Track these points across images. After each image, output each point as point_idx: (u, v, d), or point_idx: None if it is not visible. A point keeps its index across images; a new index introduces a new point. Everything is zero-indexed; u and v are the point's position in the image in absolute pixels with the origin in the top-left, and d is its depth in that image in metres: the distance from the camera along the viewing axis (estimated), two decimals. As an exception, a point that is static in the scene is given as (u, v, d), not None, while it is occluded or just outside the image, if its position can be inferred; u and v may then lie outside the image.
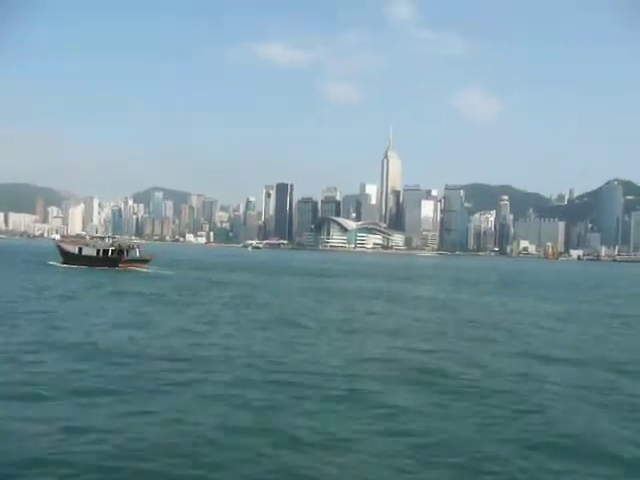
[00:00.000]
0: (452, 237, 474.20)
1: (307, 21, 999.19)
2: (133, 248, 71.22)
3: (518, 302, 46.51)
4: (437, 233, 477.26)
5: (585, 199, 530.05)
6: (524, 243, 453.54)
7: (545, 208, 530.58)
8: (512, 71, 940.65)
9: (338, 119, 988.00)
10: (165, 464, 10.50)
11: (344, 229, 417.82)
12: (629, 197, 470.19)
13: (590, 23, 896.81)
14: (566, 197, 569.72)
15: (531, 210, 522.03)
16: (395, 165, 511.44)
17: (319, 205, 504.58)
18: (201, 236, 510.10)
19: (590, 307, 44.76)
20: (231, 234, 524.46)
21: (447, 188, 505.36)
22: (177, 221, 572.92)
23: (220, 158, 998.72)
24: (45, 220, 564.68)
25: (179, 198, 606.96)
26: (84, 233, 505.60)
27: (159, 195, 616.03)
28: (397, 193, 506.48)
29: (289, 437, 12.02)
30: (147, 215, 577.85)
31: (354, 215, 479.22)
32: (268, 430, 12.35)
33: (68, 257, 69.22)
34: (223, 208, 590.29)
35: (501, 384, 17.19)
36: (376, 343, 23.94)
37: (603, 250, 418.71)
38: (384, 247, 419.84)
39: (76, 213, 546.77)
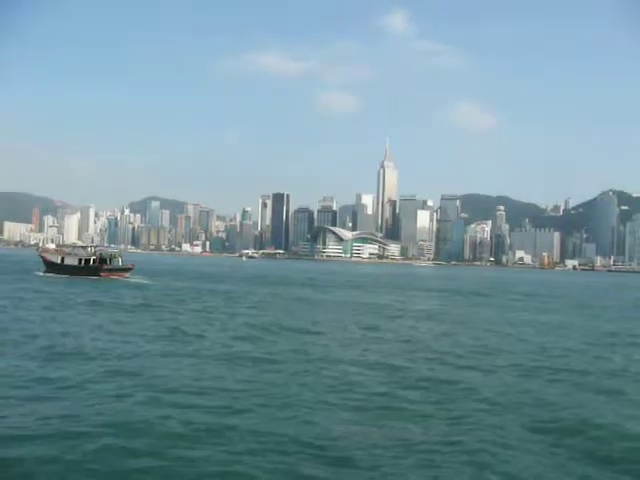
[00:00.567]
0: (448, 247, 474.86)
1: (303, 32, 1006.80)
2: (115, 257, 71.85)
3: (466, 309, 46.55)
4: (433, 243, 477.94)
5: (580, 209, 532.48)
6: (520, 253, 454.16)
7: (541, 218, 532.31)
8: (508, 83, 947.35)
9: (335, 129, 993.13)
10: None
11: (340, 239, 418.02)
12: (624, 207, 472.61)
13: (588, 39, 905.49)
14: (562, 207, 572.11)
15: (527, 220, 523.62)
16: (391, 175, 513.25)
17: (315, 215, 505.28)
18: (197, 246, 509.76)
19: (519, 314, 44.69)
20: (227, 244, 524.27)
21: (443, 198, 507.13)
22: (173, 231, 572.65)
23: (217, 168, 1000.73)
24: (41, 229, 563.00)
25: (176, 208, 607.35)
26: (80, 242, 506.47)
27: (155, 204, 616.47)
28: (393, 203, 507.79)
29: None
30: (143, 225, 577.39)
31: (350, 225, 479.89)
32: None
33: (51, 267, 69.74)
34: (219, 218, 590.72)
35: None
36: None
37: (598, 260, 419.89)
38: (380, 257, 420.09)
39: (72, 222, 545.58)
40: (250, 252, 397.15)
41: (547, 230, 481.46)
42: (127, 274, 67.91)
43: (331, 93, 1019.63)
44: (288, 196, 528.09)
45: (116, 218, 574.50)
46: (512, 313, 45.87)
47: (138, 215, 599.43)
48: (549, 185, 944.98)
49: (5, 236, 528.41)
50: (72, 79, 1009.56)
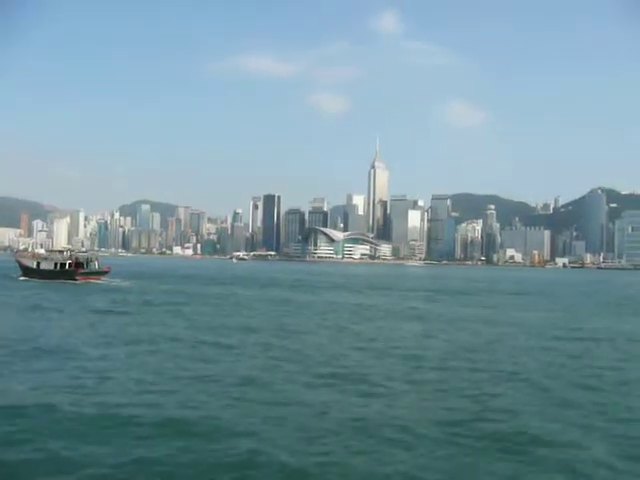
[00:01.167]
0: (439, 247, 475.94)
1: (293, 33, 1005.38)
2: (92, 261, 71.86)
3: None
4: (424, 243, 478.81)
5: (570, 207, 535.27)
6: (510, 252, 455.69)
7: (531, 217, 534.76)
8: (497, 83, 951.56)
9: (325, 130, 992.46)
10: None
11: (331, 240, 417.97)
12: (613, 205, 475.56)
13: (578, 39, 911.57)
14: (551, 206, 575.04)
15: (517, 219, 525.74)
16: (382, 175, 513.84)
17: (306, 216, 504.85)
18: (188, 248, 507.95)
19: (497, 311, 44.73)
20: (219, 246, 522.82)
21: (434, 198, 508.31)
22: (164, 234, 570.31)
23: (207, 170, 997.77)
24: (30, 234, 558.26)
25: (166, 210, 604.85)
26: (69, 247, 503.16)
27: (146, 208, 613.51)
28: (384, 203, 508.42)
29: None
30: (134, 228, 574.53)
31: (341, 226, 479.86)
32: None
33: (27, 271, 70.06)
34: (210, 220, 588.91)
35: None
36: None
37: (588, 258, 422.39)
38: (371, 257, 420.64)
39: (61, 227, 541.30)
40: (241, 254, 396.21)
41: (537, 228, 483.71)
42: (103, 277, 68.15)
43: (321, 94, 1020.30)
44: (279, 197, 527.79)
45: (106, 222, 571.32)
46: (491, 311, 45.91)
47: (129, 218, 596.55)
48: (539, 184, 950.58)
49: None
50: (62, 89, 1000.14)
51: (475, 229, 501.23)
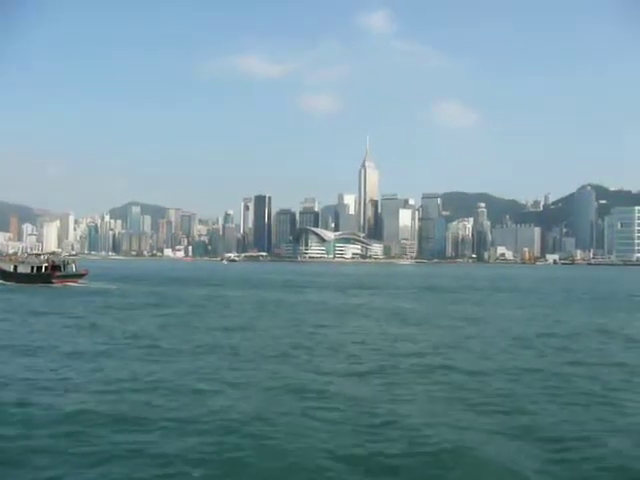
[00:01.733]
0: (430, 245, 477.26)
1: (284, 33, 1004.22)
2: (69, 264, 72.26)
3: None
4: (415, 241, 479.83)
5: (560, 204, 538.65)
6: (501, 249, 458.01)
7: (521, 214, 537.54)
8: (488, 82, 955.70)
9: (316, 130, 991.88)
10: None
11: (322, 240, 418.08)
12: (602, 201, 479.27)
13: (567, 38, 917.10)
14: (541, 203, 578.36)
15: (507, 217, 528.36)
16: (372, 175, 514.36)
17: (297, 216, 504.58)
18: (179, 250, 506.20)
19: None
20: (210, 247, 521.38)
21: (424, 197, 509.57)
22: (155, 236, 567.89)
23: (198, 171, 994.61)
24: (19, 238, 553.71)
25: (157, 213, 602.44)
26: (59, 250, 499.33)
27: (137, 210, 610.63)
28: (375, 203, 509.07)
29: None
30: (124, 231, 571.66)
31: (333, 225, 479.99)
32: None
33: (5, 275, 70.21)
34: (202, 222, 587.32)
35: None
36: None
37: (578, 254, 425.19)
38: (363, 257, 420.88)
39: (51, 230, 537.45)
40: (232, 255, 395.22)
41: (528, 226, 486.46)
42: (80, 280, 68.22)
43: (312, 94, 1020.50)
44: (270, 198, 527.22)
45: (96, 225, 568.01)
46: (476, 308, 45.86)
47: (119, 221, 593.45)
48: (529, 182, 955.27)
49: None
50: (56, 91, 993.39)
51: (466, 227, 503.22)
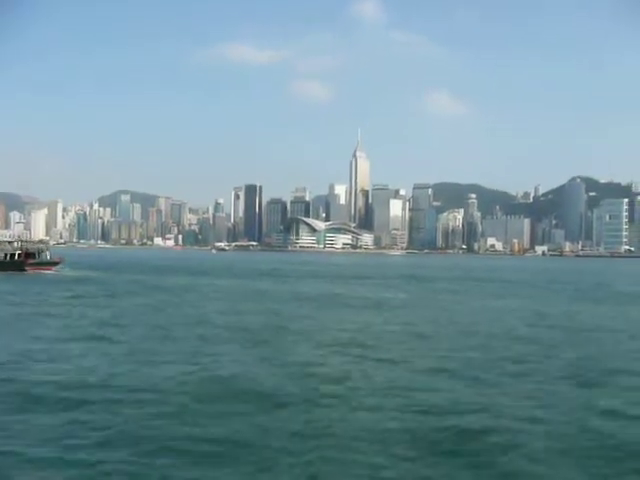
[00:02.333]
0: (421, 236, 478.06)
1: (275, 20, 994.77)
2: (43, 251, 72.72)
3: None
4: (406, 232, 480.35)
5: (550, 196, 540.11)
6: (491, 240, 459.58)
7: (512, 206, 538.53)
8: (481, 73, 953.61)
9: (307, 120, 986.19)
10: None
11: (313, 229, 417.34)
12: (591, 194, 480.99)
13: (561, 29, 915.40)
14: (532, 194, 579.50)
15: (498, 208, 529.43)
16: (363, 165, 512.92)
17: (288, 206, 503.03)
18: (169, 239, 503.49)
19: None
20: (200, 237, 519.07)
21: (415, 187, 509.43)
22: (145, 224, 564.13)
23: (188, 159, 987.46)
24: (7, 226, 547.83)
25: (147, 201, 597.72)
26: (47, 238, 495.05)
27: (126, 198, 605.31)
28: (366, 193, 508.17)
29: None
30: (113, 219, 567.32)
31: (324, 215, 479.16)
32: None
33: None
34: (192, 210, 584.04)
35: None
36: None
37: (567, 246, 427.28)
38: (353, 247, 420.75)
39: (39, 218, 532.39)
40: (222, 244, 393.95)
41: (518, 217, 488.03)
42: (54, 268, 68.59)
43: (303, 83, 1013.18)
44: (261, 187, 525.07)
45: (85, 213, 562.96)
46: (457, 297, 45.67)
47: (108, 209, 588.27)
48: (520, 173, 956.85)
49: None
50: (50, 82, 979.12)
51: (456, 218, 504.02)
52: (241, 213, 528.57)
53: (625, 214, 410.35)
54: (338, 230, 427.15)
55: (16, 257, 67.14)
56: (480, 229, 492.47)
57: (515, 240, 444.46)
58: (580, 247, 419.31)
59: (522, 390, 16.19)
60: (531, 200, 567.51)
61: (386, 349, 22.49)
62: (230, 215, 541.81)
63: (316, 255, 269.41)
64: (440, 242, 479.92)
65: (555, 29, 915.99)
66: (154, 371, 17.62)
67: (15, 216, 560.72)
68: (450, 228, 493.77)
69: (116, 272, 76.28)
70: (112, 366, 18.38)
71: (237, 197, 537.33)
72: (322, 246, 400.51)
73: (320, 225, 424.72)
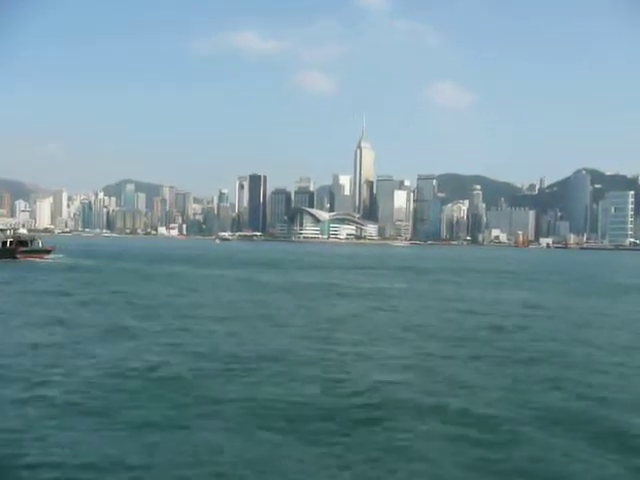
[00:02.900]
0: (425, 227, 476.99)
1: (280, 10, 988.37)
2: (35, 239, 74.26)
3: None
4: (410, 223, 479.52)
5: (555, 188, 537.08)
6: (496, 232, 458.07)
7: (517, 197, 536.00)
8: (485, 63, 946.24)
9: (312, 109, 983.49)
10: None
11: (317, 220, 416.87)
12: (597, 186, 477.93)
13: (567, 23, 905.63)
14: (537, 186, 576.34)
15: (502, 199, 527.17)
16: (368, 155, 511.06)
17: (292, 196, 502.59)
18: (173, 229, 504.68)
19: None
20: (204, 226, 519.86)
21: (420, 178, 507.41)
22: (149, 214, 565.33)
23: (193, 149, 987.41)
24: (12, 214, 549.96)
25: (151, 190, 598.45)
26: (52, 227, 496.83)
27: (131, 187, 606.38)
28: (370, 184, 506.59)
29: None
30: (118, 208, 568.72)
31: (328, 206, 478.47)
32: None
33: None
34: (196, 200, 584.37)
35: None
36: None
37: (572, 238, 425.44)
38: (357, 237, 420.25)
39: (44, 207, 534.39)
40: (226, 234, 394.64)
41: (522, 209, 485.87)
42: (47, 256, 69.74)
43: (308, 73, 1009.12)
44: (265, 177, 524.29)
45: (90, 202, 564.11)
46: (450, 287, 45.85)
47: (113, 198, 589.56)
48: (525, 164, 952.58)
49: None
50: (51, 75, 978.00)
51: (461, 209, 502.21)
52: (245, 203, 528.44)
53: (630, 207, 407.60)
54: (342, 221, 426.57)
55: (8, 245, 68.30)
56: (485, 220, 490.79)
57: (520, 232, 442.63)
58: (585, 239, 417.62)
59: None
60: (536, 192, 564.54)
61: (352, 335, 23.11)
62: (234, 205, 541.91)
63: (319, 246, 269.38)
64: (444, 233, 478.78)
65: (562, 22, 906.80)
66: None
67: (20, 204, 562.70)
68: (454, 219, 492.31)
69: (112, 260, 76.92)
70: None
71: (241, 187, 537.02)
72: (326, 237, 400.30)
73: (324, 216, 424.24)
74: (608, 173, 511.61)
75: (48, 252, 71.30)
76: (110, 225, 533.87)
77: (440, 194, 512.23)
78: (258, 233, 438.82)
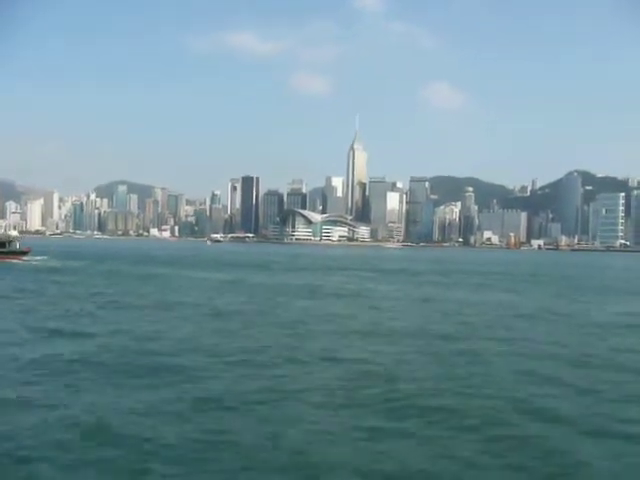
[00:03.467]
0: (417, 229, 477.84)
1: (275, 11, 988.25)
2: (12, 241, 74.64)
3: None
4: (403, 225, 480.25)
5: (546, 190, 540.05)
6: (488, 234, 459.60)
7: (509, 199, 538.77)
8: (479, 65, 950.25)
9: (305, 111, 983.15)
10: None
11: (309, 222, 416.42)
12: (588, 188, 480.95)
13: (561, 23, 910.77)
14: (529, 188, 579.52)
15: (495, 201, 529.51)
16: (361, 157, 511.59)
17: (285, 198, 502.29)
18: (165, 230, 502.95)
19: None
20: (197, 228, 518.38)
21: (412, 180, 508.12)
22: (142, 215, 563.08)
23: (186, 151, 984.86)
24: (3, 216, 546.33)
25: (143, 192, 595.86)
26: (43, 229, 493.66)
27: (123, 189, 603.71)
28: (363, 185, 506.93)
29: None
30: (110, 209, 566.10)
31: (320, 208, 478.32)
32: None
33: None
34: (189, 202, 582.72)
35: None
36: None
37: (563, 239, 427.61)
38: (350, 239, 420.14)
39: (35, 208, 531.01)
40: (218, 236, 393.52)
41: (514, 211, 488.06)
42: (24, 257, 69.92)
43: (303, 74, 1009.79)
44: (257, 179, 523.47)
45: (82, 203, 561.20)
46: (430, 290, 45.66)
47: (105, 200, 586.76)
48: (517, 166, 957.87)
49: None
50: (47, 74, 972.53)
51: (453, 211, 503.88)
52: (238, 205, 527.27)
53: (621, 208, 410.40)
54: (334, 222, 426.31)
55: None
56: (477, 222, 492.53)
57: (511, 234, 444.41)
58: (576, 241, 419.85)
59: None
60: (528, 194, 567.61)
61: (318, 333, 23.23)
62: (227, 207, 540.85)
63: (311, 247, 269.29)
64: (437, 235, 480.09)
65: (555, 22, 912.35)
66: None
67: (11, 206, 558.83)
68: (447, 221, 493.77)
69: (96, 262, 76.30)
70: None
71: (234, 189, 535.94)
72: (318, 238, 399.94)
73: (316, 217, 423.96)
74: (599, 175, 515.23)
75: (25, 253, 71.21)
76: (102, 227, 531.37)
77: (433, 196, 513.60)
78: (250, 235, 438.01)
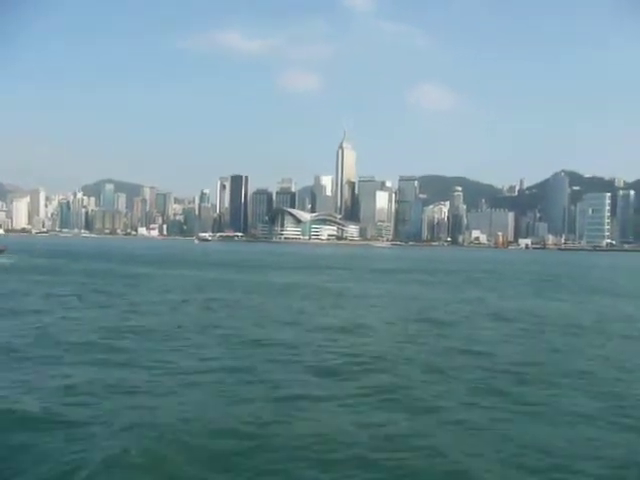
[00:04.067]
0: (406, 228, 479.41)
1: (265, 9, 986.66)
2: None
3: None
4: (392, 224, 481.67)
5: (534, 190, 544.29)
6: (476, 233, 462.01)
7: (497, 199, 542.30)
8: (469, 65, 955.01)
9: (294, 110, 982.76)
10: None
11: (298, 220, 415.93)
12: (575, 188, 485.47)
13: (552, 24, 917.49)
14: (517, 188, 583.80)
15: (483, 201, 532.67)
16: (350, 156, 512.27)
17: (274, 197, 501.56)
18: (154, 229, 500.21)
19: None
20: (185, 227, 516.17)
21: (402, 179, 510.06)
22: (129, 214, 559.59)
23: (174, 149, 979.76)
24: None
25: (132, 191, 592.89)
26: (29, 227, 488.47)
27: (110, 187, 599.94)
28: (352, 184, 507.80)
29: None
30: (97, 208, 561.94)
31: (309, 206, 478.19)
32: None
33: None
34: (177, 200, 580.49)
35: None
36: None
37: (550, 239, 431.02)
38: (339, 238, 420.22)
39: (21, 207, 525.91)
40: (207, 235, 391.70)
41: (502, 210, 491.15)
42: None
43: (292, 73, 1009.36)
44: (247, 178, 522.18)
45: (69, 202, 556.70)
46: (409, 288, 45.49)
47: (92, 198, 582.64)
48: (505, 166, 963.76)
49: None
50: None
51: (442, 211, 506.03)
52: (227, 204, 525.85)
53: (607, 208, 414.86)
54: (323, 221, 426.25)
55: None
56: (465, 222, 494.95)
57: (499, 233, 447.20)
58: (563, 240, 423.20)
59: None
60: (516, 193, 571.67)
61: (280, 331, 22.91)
62: (216, 205, 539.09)
63: (300, 246, 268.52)
64: (425, 234, 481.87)
65: (546, 23, 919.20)
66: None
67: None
68: (435, 220, 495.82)
69: (73, 260, 75.32)
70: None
71: (223, 187, 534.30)
72: (307, 237, 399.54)
73: (305, 216, 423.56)
74: (586, 175, 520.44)
75: (0, 252, 70.57)
76: (89, 225, 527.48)
77: (422, 195, 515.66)
78: (239, 234, 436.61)
